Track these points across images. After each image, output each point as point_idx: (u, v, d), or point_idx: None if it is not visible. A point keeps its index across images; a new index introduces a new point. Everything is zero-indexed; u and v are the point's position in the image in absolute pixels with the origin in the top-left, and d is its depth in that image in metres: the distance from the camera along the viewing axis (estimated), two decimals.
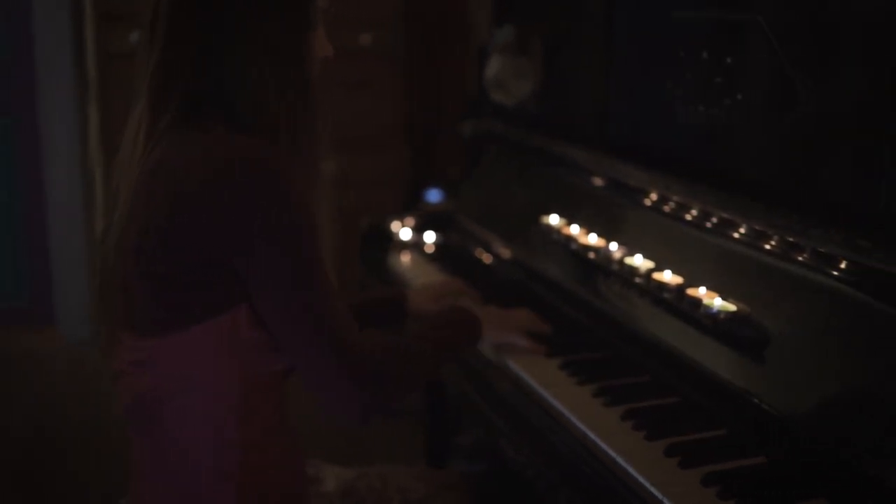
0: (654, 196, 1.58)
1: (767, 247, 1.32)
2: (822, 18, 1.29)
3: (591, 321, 1.58)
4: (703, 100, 1.49)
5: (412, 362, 1.27)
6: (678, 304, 1.37)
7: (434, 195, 2.40)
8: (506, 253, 1.90)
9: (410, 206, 2.33)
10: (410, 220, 2.17)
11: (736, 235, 1.38)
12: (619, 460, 1.19)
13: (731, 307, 1.29)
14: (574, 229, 1.68)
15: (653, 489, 1.12)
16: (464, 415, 2.00)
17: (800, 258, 1.26)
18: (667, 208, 1.54)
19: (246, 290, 1.13)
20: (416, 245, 2.12)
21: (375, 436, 2.59)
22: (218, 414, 1.17)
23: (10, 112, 3.40)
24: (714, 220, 1.43)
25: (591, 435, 1.26)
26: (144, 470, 1.24)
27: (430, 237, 2.13)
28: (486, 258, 1.96)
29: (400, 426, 2.58)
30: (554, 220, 1.74)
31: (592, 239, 1.62)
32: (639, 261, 1.49)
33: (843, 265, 1.19)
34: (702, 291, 1.35)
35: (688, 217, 1.49)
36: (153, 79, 1.15)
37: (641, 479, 1.14)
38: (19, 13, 3.30)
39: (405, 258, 2.08)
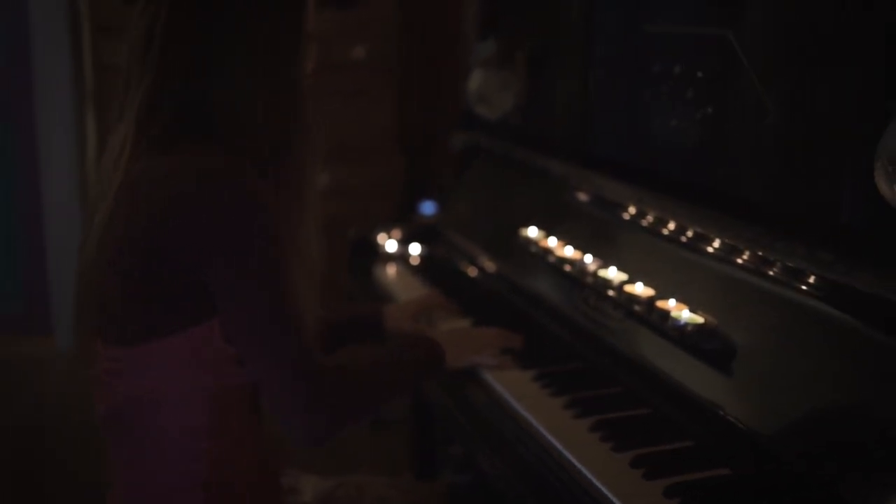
0: (630, 210, 1.59)
1: (735, 260, 1.33)
2: (787, 34, 1.31)
3: (567, 333, 1.59)
4: (676, 114, 1.51)
5: (367, 390, 1.28)
6: (648, 317, 1.38)
7: (427, 206, 2.41)
8: (489, 265, 1.91)
9: (404, 217, 2.35)
10: (397, 232, 2.18)
11: (705, 248, 1.39)
12: (585, 471, 1.20)
13: (699, 319, 1.31)
14: (551, 242, 1.69)
15: (615, 500, 1.13)
16: (444, 425, 2.01)
17: (766, 271, 1.27)
18: (641, 222, 1.56)
19: (214, 304, 1.14)
20: (402, 257, 2.14)
21: (364, 446, 2.60)
22: (188, 425, 1.19)
23: (8, 119, 3.44)
24: (685, 233, 1.44)
25: (559, 446, 1.27)
26: (118, 475, 1.26)
27: (415, 249, 2.15)
28: (470, 271, 1.98)
29: (390, 436, 2.59)
30: (532, 232, 1.76)
31: (569, 251, 1.64)
32: (612, 273, 1.50)
33: (807, 278, 1.20)
34: (671, 304, 1.36)
35: (661, 230, 1.50)
36: (144, 98, 1.17)
37: (605, 491, 1.15)
38: (17, 22, 3.34)
39: (390, 270, 2.10)
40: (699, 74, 1.45)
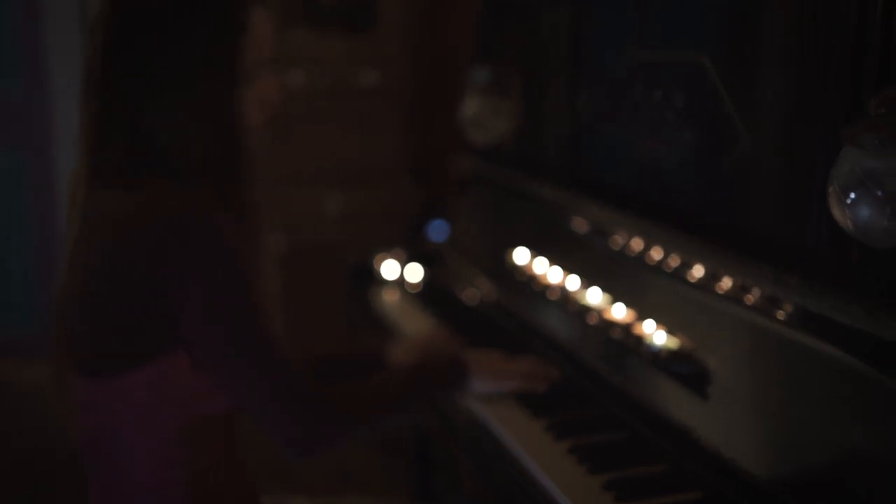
0: (614, 235, 1.61)
1: (704, 283, 1.34)
2: (758, 60, 1.33)
3: (554, 357, 1.60)
4: (657, 139, 1.53)
5: (364, 405, 1.29)
6: (626, 341, 1.40)
7: (434, 230, 2.44)
8: (484, 289, 1.93)
9: (403, 242, 2.37)
10: (397, 257, 2.21)
11: (679, 273, 1.41)
12: (557, 492, 1.22)
13: (674, 344, 1.32)
14: (539, 267, 1.71)
15: None
16: (435, 446, 2.02)
17: (737, 296, 1.28)
18: (625, 248, 1.57)
19: (182, 336, 1.16)
20: (402, 282, 2.16)
21: (370, 467, 2.62)
22: (160, 455, 1.20)
23: (25, 148, 3.52)
24: (665, 258, 1.46)
25: (536, 468, 1.28)
26: (95, 499, 1.27)
27: (415, 275, 2.17)
28: (466, 294, 2.00)
29: (397, 458, 2.60)
30: (521, 258, 1.78)
31: (554, 277, 1.65)
32: (594, 297, 1.52)
33: (777, 304, 1.21)
34: (648, 328, 1.37)
35: (643, 256, 1.52)
36: (88, 134, 1.19)
37: None
38: (35, 50, 3.43)
39: (389, 296, 2.12)
40: (678, 101, 1.47)
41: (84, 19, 3.33)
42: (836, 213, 1.02)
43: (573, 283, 1.60)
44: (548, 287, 1.66)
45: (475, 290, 1.96)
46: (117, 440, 1.21)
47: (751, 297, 1.26)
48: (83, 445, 1.25)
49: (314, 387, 1.23)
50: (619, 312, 1.45)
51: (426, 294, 2.07)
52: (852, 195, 0.99)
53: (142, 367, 1.16)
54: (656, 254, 1.47)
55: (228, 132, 1.19)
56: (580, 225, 1.71)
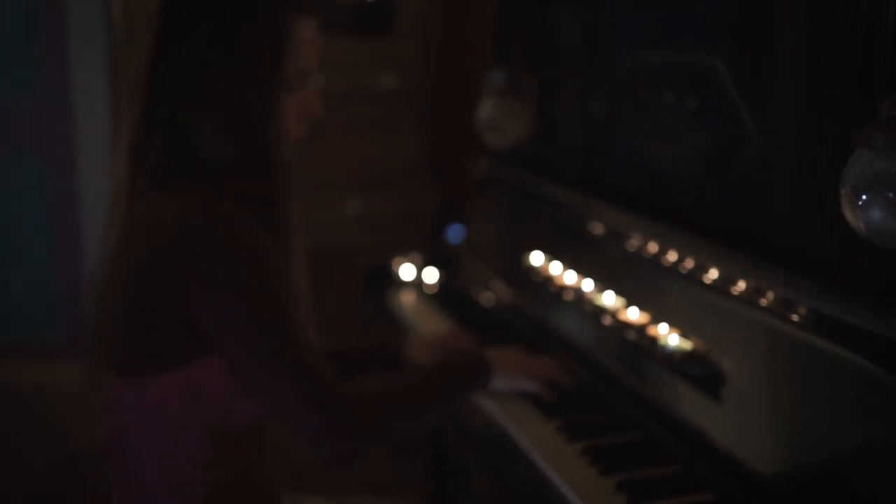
0: (628, 237, 1.61)
1: (717, 285, 1.34)
2: (770, 63, 1.33)
3: (568, 359, 1.61)
4: (671, 142, 1.53)
5: (395, 408, 1.28)
6: (640, 342, 1.40)
7: (454, 233, 2.45)
8: (499, 291, 1.94)
9: (422, 244, 2.37)
10: (414, 259, 2.22)
11: (692, 275, 1.41)
12: (569, 493, 1.22)
13: (687, 346, 1.32)
14: (554, 269, 1.72)
15: None
16: (450, 448, 2.03)
17: (750, 298, 1.28)
18: (640, 250, 1.57)
19: (212, 342, 1.17)
20: (418, 283, 2.17)
21: (381, 471, 2.63)
22: (184, 456, 1.21)
23: (47, 152, 3.57)
24: (678, 260, 1.46)
25: (549, 469, 1.29)
26: (116, 501, 1.29)
27: (431, 277, 2.18)
28: (482, 296, 2.01)
29: (409, 461, 2.61)
30: (537, 260, 1.78)
31: (569, 278, 1.66)
32: (609, 299, 1.52)
33: (792, 307, 1.21)
34: (662, 330, 1.38)
35: (656, 258, 1.52)
36: (132, 138, 1.20)
37: None
38: (56, 59, 3.48)
39: (406, 296, 2.13)
40: (691, 103, 1.47)
41: (108, 28, 3.38)
42: (848, 214, 1.02)
43: (588, 284, 1.60)
44: (563, 289, 1.67)
45: (491, 292, 1.97)
46: (144, 439, 1.21)
47: (763, 300, 1.25)
48: (108, 443, 1.26)
49: (345, 395, 1.20)
50: (634, 314, 1.46)
51: (442, 296, 2.08)
52: (864, 197, 0.99)
53: (174, 371, 1.17)
54: (670, 256, 1.47)
55: (267, 141, 1.19)
56: (595, 227, 1.72)
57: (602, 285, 1.58)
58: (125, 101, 1.22)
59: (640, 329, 1.41)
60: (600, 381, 1.50)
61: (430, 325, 1.89)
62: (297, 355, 1.17)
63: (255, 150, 1.19)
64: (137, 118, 1.20)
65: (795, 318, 1.20)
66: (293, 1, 1.21)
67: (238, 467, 1.25)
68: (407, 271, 2.18)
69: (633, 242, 1.58)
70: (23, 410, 3.29)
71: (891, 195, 0.97)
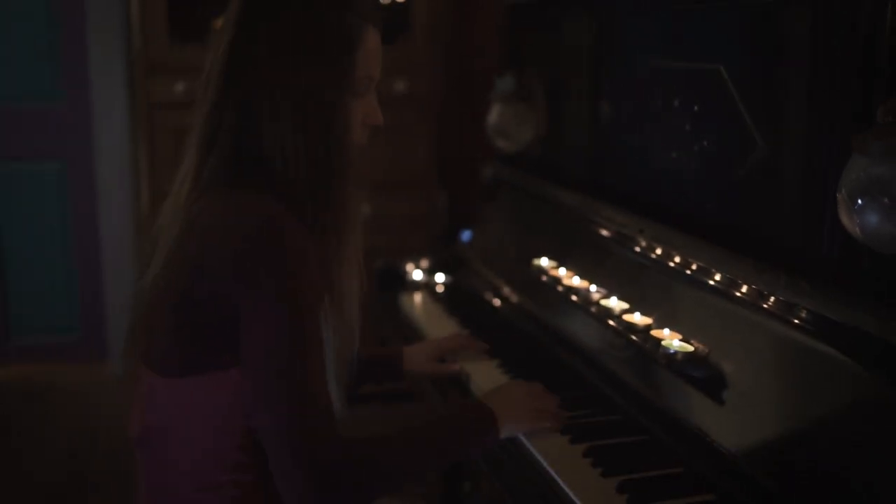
0: (636, 240, 1.63)
1: (718, 288, 1.35)
2: (773, 70, 1.34)
3: (573, 360, 1.62)
4: (675, 146, 1.54)
5: (390, 467, 1.20)
6: (643, 344, 1.41)
7: (466, 237, 2.47)
8: (508, 294, 1.96)
9: (433, 247, 2.39)
10: (424, 261, 2.24)
11: (696, 278, 1.42)
12: (571, 494, 1.24)
13: (689, 348, 1.33)
14: (561, 271, 1.74)
15: None
16: None
17: (751, 301, 1.29)
18: (648, 253, 1.59)
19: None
20: (427, 286, 2.20)
21: None
22: (215, 457, 1.20)
23: (67, 155, 3.63)
24: (681, 263, 1.47)
25: (551, 470, 1.30)
26: (143, 495, 1.29)
27: (440, 279, 2.20)
28: (491, 299, 2.02)
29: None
30: (544, 262, 1.80)
31: (574, 280, 1.68)
32: (613, 301, 1.54)
33: (792, 310, 1.22)
34: (665, 332, 1.39)
35: (660, 261, 1.53)
36: (200, 136, 1.21)
37: None
38: (78, 68, 3.54)
39: (415, 299, 2.16)
40: (695, 108, 1.49)
41: (127, 38, 3.43)
42: (845, 219, 1.03)
43: (593, 286, 1.62)
44: (568, 290, 1.68)
45: (498, 294, 1.99)
46: (178, 438, 1.21)
47: (764, 303, 1.27)
48: (140, 440, 1.26)
49: (336, 456, 1.13)
50: (637, 316, 1.47)
51: (451, 297, 2.10)
52: (860, 202, 1.01)
53: (214, 372, 1.17)
54: (673, 259, 1.48)
55: (333, 146, 1.19)
56: (600, 230, 1.73)
57: (606, 286, 1.60)
58: (196, 103, 1.23)
59: (644, 331, 1.43)
60: (604, 383, 1.52)
61: (437, 328, 1.91)
62: (304, 403, 1.12)
63: (321, 154, 1.18)
64: (206, 117, 1.20)
65: (795, 320, 1.21)
66: (362, 9, 1.22)
67: (266, 473, 1.20)
68: (416, 273, 2.20)
69: (638, 246, 1.59)
70: (41, 409, 3.34)
71: (886, 200, 0.99)
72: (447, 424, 1.29)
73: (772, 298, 1.26)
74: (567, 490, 1.25)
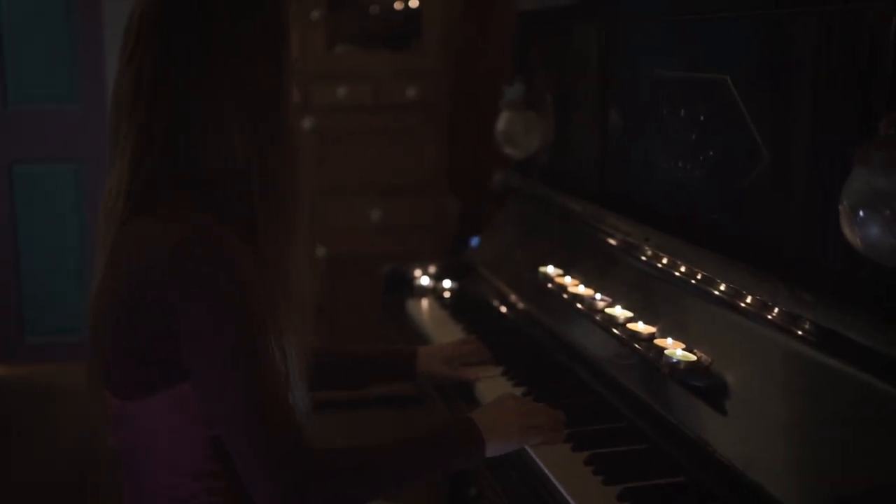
0: (641, 249, 1.63)
1: (721, 298, 1.36)
2: (778, 81, 1.34)
3: (577, 368, 1.63)
4: (681, 155, 1.55)
5: (363, 475, 1.18)
6: (646, 353, 1.42)
7: (476, 243, 2.47)
8: (514, 301, 1.96)
9: (440, 253, 2.40)
10: (431, 267, 2.25)
11: (701, 287, 1.42)
12: (571, 502, 1.24)
13: (692, 357, 1.34)
14: (566, 279, 1.74)
15: None
16: None
17: (754, 311, 1.29)
18: (653, 262, 1.59)
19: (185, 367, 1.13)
20: (434, 291, 2.20)
21: None
22: (185, 468, 1.19)
23: (82, 158, 3.66)
24: (685, 272, 1.47)
25: (552, 477, 1.30)
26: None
27: (448, 285, 2.21)
28: (497, 306, 2.03)
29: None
30: (548, 269, 1.81)
31: (580, 288, 1.68)
32: (618, 309, 1.54)
33: (795, 321, 1.22)
34: (668, 341, 1.39)
35: (665, 270, 1.53)
36: (130, 149, 1.15)
37: None
38: (94, 74, 3.58)
39: (421, 304, 2.16)
40: (701, 118, 1.49)
41: None
42: (846, 231, 1.03)
43: (598, 294, 1.62)
44: (574, 298, 1.69)
45: (505, 300, 2.00)
46: (146, 454, 1.20)
47: (767, 313, 1.27)
48: (118, 455, 1.26)
49: (306, 463, 1.12)
50: (641, 325, 1.47)
51: (457, 303, 2.10)
52: (861, 213, 1.01)
53: (160, 393, 1.15)
54: (678, 268, 1.49)
55: (279, 144, 1.16)
56: (606, 238, 1.74)
57: (611, 295, 1.60)
58: (117, 114, 1.16)
59: (647, 340, 1.43)
60: (607, 391, 1.52)
61: (444, 334, 1.92)
62: (265, 411, 1.10)
63: (271, 149, 1.15)
64: (135, 135, 1.15)
65: (797, 331, 1.21)
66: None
67: (237, 475, 1.18)
68: (423, 279, 2.21)
69: (643, 255, 1.59)
70: (53, 408, 3.36)
71: (888, 212, 0.99)
72: (430, 438, 1.26)
73: (775, 309, 1.26)
74: (567, 497, 1.25)
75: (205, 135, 1.14)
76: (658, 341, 1.41)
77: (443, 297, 2.17)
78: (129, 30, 1.18)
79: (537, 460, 1.35)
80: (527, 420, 1.35)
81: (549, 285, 1.78)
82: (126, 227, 1.15)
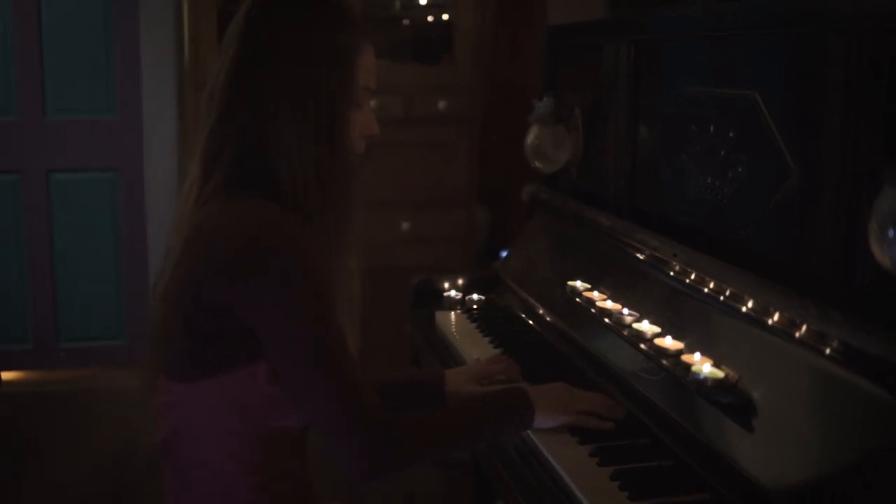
0: (669, 265, 1.63)
1: (751, 316, 1.35)
2: (807, 99, 1.34)
3: (604, 382, 1.63)
4: (710, 171, 1.55)
5: (430, 440, 1.29)
6: (674, 369, 1.42)
7: (503, 256, 2.48)
8: (542, 314, 1.97)
9: (477, 266, 2.41)
10: (461, 280, 2.26)
11: (729, 304, 1.42)
12: None
13: (719, 374, 1.33)
14: (594, 294, 1.74)
15: None
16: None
17: (783, 330, 1.29)
18: (681, 278, 1.59)
19: (259, 348, 1.20)
20: (463, 303, 2.21)
21: (427, 483, 2.66)
22: (232, 459, 1.25)
23: (118, 168, 3.73)
24: (715, 290, 1.47)
25: (577, 492, 1.31)
26: (169, 501, 1.35)
27: (476, 298, 2.22)
28: (524, 319, 2.03)
29: (454, 473, 2.64)
30: (577, 284, 1.81)
31: (608, 303, 1.68)
32: (646, 325, 1.55)
33: (821, 339, 1.22)
34: (696, 357, 1.39)
35: (694, 287, 1.53)
36: (205, 146, 1.26)
37: None
38: (130, 86, 3.65)
39: (450, 317, 2.17)
40: (730, 134, 1.49)
41: (177, 54, 3.53)
42: (876, 250, 1.03)
43: (626, 309, 1.62)
44: (602, 312, 1.69)
45: (533, 314, 2.00)
46: (195, 442, 1.26)
47: (796, 331, 1.27)
48: (163, 445, 1.30)
49: (383, 420, 1.22)
50: (669, 340, 1.47)
51: (485, 316, 2.11)
52: (891, 233, 1.01)
53: (220, 375, 1.21)
54: (706, 284, 1.48)
55: (335, 155, 1.24)
56: (635, 253, 1.74)
57: (640, 310, 1.61)
58: (202, 114, 1.28)
59: (675, 355, 1.43)
60: (634, 406, 1.52)
61: (472, 347, 1.93)
62: (342, 370, 1.19)
63: (325, 162, 1.24)
64: (211, 129, 1.25)
65: (826, 350, 1.21)
66: (359, 25, 1.29)
67: (285, 472, 1.28)
68: (453, 291, 2.22)
69: (671, 270, 1.59)
70: (87, 413, 3.42)
71: None
72: (485, 400, 1.40)
73: (804, 327, 1.26)
74: None
75: (265, 133, 1.23)
76: (685, 357, 1.41)
77: (471, 310, 2.18)
78: (230, 27, 1.29)
79: (562, 473, 1.36)
80: (580, 405, 1.45)
81: (578, 299, 1.79)
82: (204, 215, 1.24)
